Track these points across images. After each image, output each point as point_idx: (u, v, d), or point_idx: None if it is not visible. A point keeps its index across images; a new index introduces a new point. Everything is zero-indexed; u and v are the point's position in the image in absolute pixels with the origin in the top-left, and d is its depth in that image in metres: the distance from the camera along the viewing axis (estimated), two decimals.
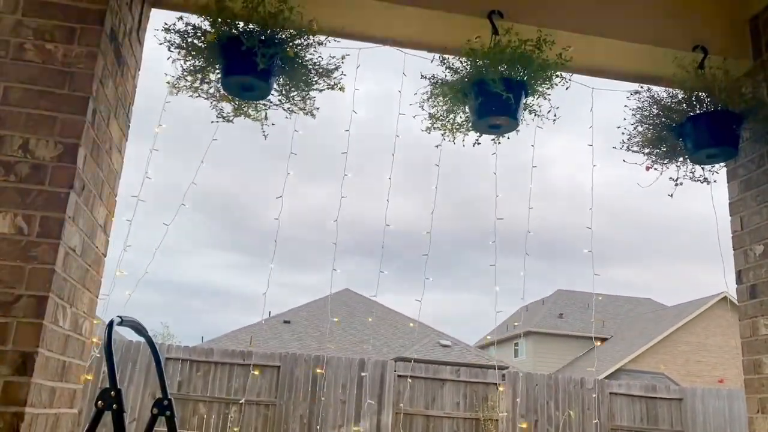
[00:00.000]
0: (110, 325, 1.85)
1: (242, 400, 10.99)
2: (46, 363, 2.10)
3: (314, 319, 23.14)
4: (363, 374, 11.69)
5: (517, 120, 2.85)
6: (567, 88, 2.95)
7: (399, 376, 11.90)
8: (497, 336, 29.22)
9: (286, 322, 23.20)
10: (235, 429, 10.79)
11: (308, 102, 2.89)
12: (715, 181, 3.08)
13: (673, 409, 12.84)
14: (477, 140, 3.01)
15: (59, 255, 2.12)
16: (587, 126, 3.64)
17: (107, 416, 1.88)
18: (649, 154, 3.07)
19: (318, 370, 11.44)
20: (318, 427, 11.30)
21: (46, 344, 2.08)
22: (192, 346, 11.72)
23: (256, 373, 11.16)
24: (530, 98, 2.88)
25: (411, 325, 21.74)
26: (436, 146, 3.13)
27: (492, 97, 2.72)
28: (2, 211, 2.09)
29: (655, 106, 2.99)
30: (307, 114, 2.93)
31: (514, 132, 2.98)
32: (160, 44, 2.66)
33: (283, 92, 2.85)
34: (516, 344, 30.70)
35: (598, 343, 28.57)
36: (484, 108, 2.81)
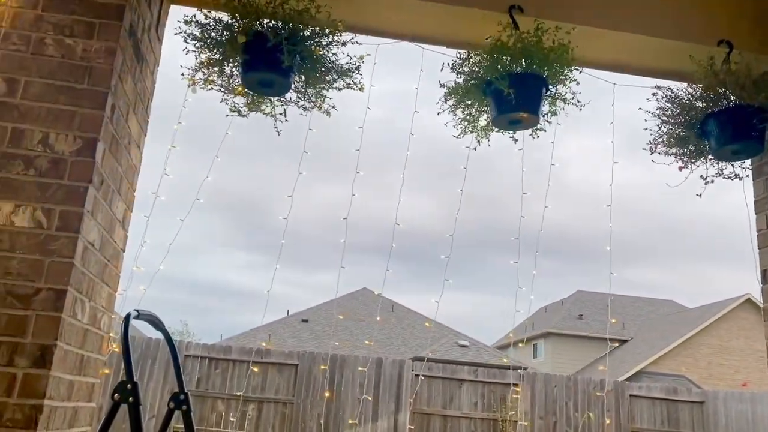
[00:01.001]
0: (127, 318, 1.85)
1: (240, 394, 11.02)
2: (64, 356, 2.11)
3: (332, 317, 23.18)
4: (380, 373, 11.68)
5: (538, 115, 2.82)
6: (580, 73, 2.91)
7: (416, 375, 11.86)
8: (516, 337, 29.05)
9: (304, 320, 23.28)
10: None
11: (324, 100, 2.88)
12: (747, 176, 3.01)
13: (694, 412, 12.67)
14: (512, 137, 2.98)
15: (78, 249, 2.13)
16: (605, 126, 3.59)
17: (125, 410, 1.88)
18: (676, 154, 3.02)
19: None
20: (335, 425, 11.31)
21: (64, 337, 2.09)
22: (211, 344, 11.80)
23: (256, 370, 11.20)
24: (552, 91, 2.85)
25: (427, 324, 21.69)
26: (473, 148, 3.10)
27: (510, 93, 2.68)
28: (22, 205, 2.11)
29: (677, 105, 2.94)
30: (322, 112, 2.93)
31: (539, 131, 2.95)
32: (176, 34, 2.66)
33: (300, 89, 2.85)
34: (535, 345, 30.49)
35: (616, 344, 28.25)
36: (502, 105, 2.78)
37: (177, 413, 2.02)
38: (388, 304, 24.49)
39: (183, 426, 2.05)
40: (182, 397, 1.95)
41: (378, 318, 22.18)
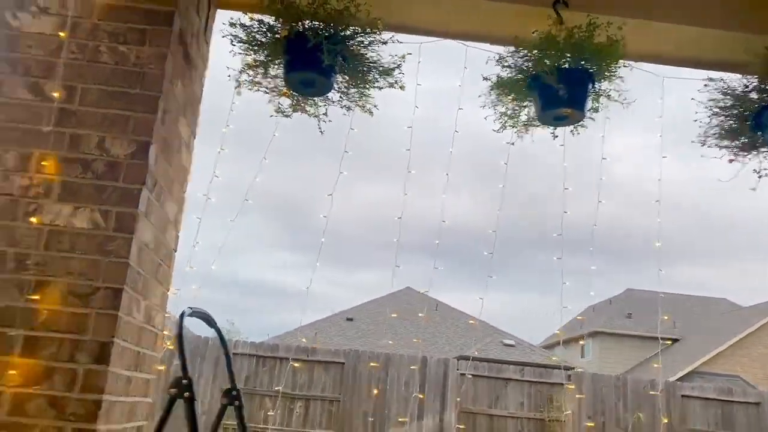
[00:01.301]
0: (182, 316, 1.91)
1: (279, 390, 11.15)
2: (121, 353, 2.19)
3: (377, 316, 23.27)
4: (425, 372, 11.68)
5: (583, 111, 2.78)
6: (631, 70, 2.85)
7: (462, 374, 11.82)
8: (563, 336, 28.60)
9: (349, 319, 23.43)
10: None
11: (366, 99, 2.91)
12: None
13: (750, 413, 12.26)
14: (553, 132, 2.95)
15: (133, 249, 2.20)
16: (650, 120, 3.51)
17: (178, 406, 1.94)
18: (727, 147, 2.94)
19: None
20: (381, 423, 11.35)
21: (121, 335, 2.17)
22: (258, 342, 12.00)
23: (297, 365, 11.33)
24: (597, 87, 2.81)
25: (471, 323, 21.56)
26: (512, 143, 3.08)
27: (558, 89, 2.66)
28: (81, 207, 2.19)
29: (730, 96, 2.86)
30: (365, 111, 2.95)
31: (580, 127, 2.91)
32: (223, 37, 2.72)
33: (343, 89, 2.87)
34: (582, 344, 29.98)
35: (669, 343, 27.54)
36: (548, 100, 2.76)
37: (228, 409, 2.07)
38: (432, 302, 24.44)
39: (234, 422, 2.10)
40: (234, 393, 2.00)
41: (422, 316, 22.14)
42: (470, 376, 11.80)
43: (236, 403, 2.00)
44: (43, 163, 2.21)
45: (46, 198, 2.18)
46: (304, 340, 16.86)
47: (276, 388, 11.26)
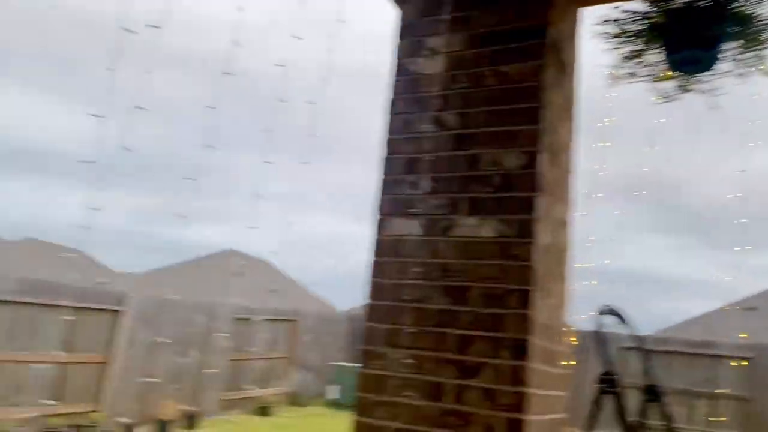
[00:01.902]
0: (599, 313, 1.97)
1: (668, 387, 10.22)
2: (535, 349, 2.35)
3: None
4: None
5: None
6: None
7: None
8: None
9: (750, 308, 20.66)
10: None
11: (764, 60, 2.60)
12: None
13: None
14: None
15: (534, 252, 2.36)
16: None
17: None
18: None
19: None
20: None
21: (533, 332, 2.33)
22: (645, 335, 11.45)
23: (734, 364, 10.27)
24: None
25: None
26: None
27: None
28: (485, 218, 2.44)
29: None
30: (764, 74, 2.64)
31: None
32: (593, 37, 2.73)
33: (732, 57, 2.62)
34: None
35: None
36: None
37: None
38: None
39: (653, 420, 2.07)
40: (656, 390, 1.98)
41: None
42: None
43: (658, 401, 1.97)
44: (449, 183, 2.52)
45: (457, 213, 2.49)
46: (714, 335, 15.47)
47: (670, 385, 10.57)
